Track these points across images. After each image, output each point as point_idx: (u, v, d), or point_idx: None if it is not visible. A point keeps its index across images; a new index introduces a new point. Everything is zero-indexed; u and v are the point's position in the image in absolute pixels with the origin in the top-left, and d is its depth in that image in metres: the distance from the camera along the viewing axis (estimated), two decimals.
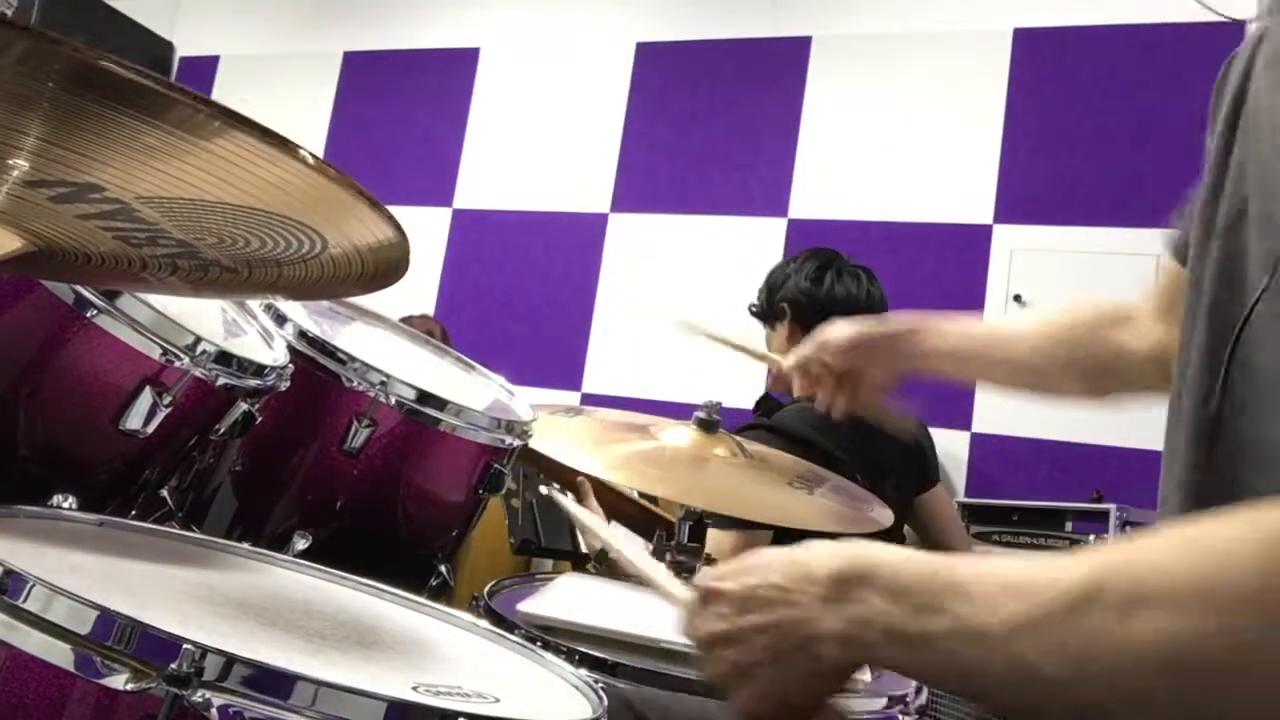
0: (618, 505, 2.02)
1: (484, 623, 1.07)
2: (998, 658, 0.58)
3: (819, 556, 0.67)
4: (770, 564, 0.70)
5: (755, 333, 2.31)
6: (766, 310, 2.24)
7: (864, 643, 0.64)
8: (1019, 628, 0.57)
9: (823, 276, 2.19)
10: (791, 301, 2.18)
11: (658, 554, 1.69)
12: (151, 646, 0.67)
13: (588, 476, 1.96)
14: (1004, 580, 0.60)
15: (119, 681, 0.67)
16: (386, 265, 0.74)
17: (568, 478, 1.99)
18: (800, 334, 2.18)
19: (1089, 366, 1.15)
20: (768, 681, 0.68)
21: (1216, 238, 0.76)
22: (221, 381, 1.10)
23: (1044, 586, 0.57)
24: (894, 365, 1.29)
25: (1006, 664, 0.58)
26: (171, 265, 0.79)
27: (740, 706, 0.70)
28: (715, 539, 1.97)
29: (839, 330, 1.33)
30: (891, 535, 1.93)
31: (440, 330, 3.45)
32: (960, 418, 3.43)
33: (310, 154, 0.59)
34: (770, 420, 2.16)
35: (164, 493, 1.30)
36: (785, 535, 1.95)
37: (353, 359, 1.30)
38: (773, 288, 2.23)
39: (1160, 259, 1.06)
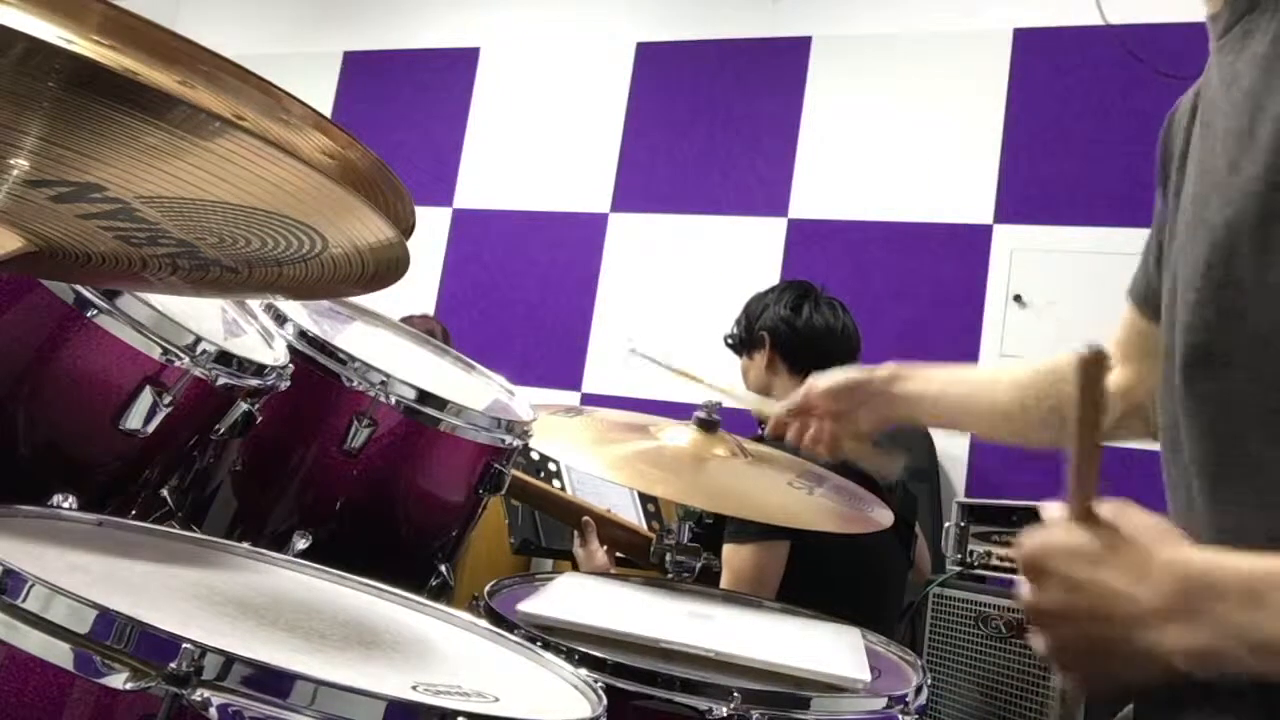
0: (625, 539, 2.02)
1: (484, 623, 1.07)
2: None
3: (1154, 561, 0.68)
4: (1101, 554, 0.70)
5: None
6: (745, 339, 2.29)
7: (1222, 658, 0.65)
8: None
9: (801, 306, 2.27)
10: (771, 329, 2.26)
11: (658, 554, 1.69)
12: (151, 646, 0.67)
13: (593, 515, 1.97)
14: None
15: (118, 681, 0.67)
16: (386, 265, 0.74)
17: (571, 519, 2.00)
18: (779, 362, 2.25)
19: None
20: (1093, 666, 0.70)
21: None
22: (221, 381, 1.10)
23: None
24: (879, 411, 1.35)
25: None
26: (171, 265, 0.79)
27: (1065, 674, 0.73)
28: (731, 553, 1.96)
29: (827, 377, 1.38)
30: (896, 533, 1.93)
31: (441, 330, 3.45)
32: None
33: (348, 134, 0.59)
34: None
35: (164, 493, 1.29)
36: (803, 546, 1.96)
37: (353, 359, 1.30)
38: (751, 317, 2.31)
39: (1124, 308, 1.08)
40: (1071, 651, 0.71)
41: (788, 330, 2.25)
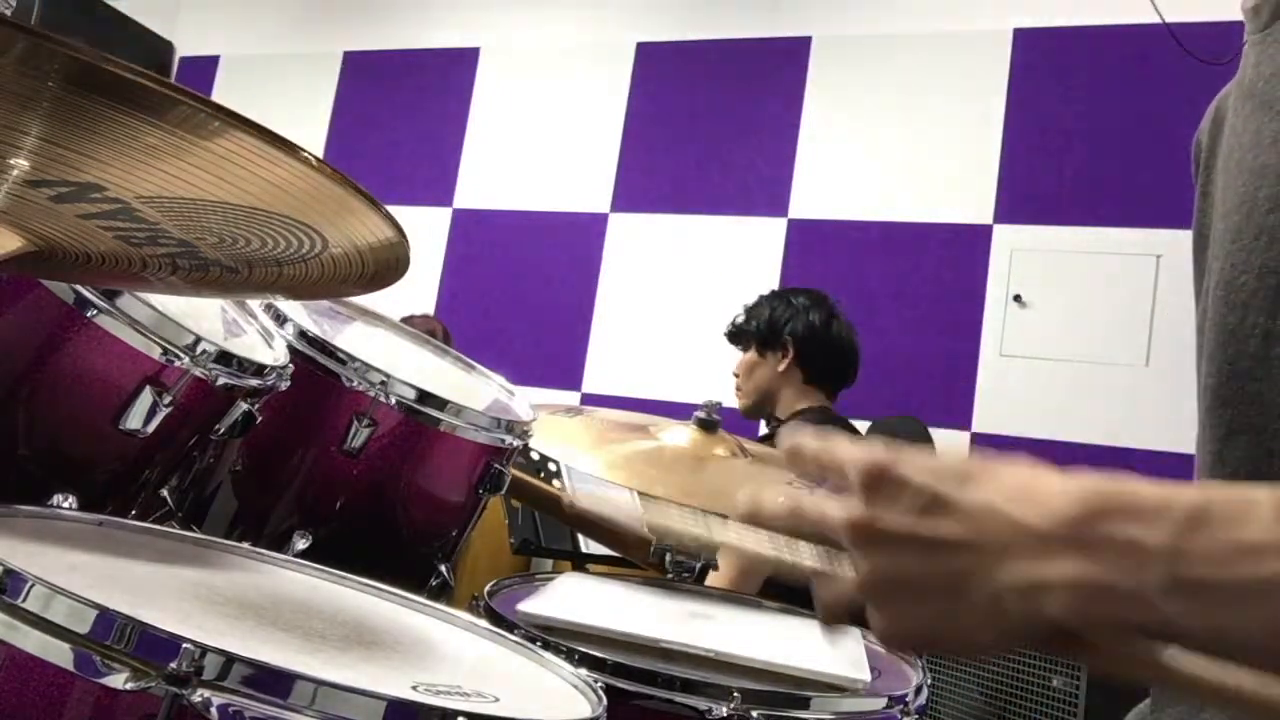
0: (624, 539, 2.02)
1: (484, 623, 1.07)
2: None
3: (1045, 482, 0.52)
4: (973, 473, 0.54)
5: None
6: (764, 339, 2.33)
7: (1114, 595, 0.48)
8: None
9: (831, 320, 2.36)
10: (800, 337, 2.32)
11: (658, 554, 1.69)
12: (151, 646, 0.67)
13: (590, 518, 1.96)
14: None
15: (119, 681, 0.67)
16: (386, 265, 0.74)
17: (569, 520, 2.00)
18: (797, 369, 2.31)
19: None
20: (925, 606, 0.55)
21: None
22: (221, 381, 1.10)
23: None
24: None
25: None
26: (171, 265, 0.79)
27: (877, 620, 0.58)
28: None
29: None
30: None
31: (441, 330, 3.45)
32: (960, 418, 3.43)
33: (311, 155, 0.59)
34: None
35: (164, 493, 1.29)
36: None
37: (353, 359, 1.30)
38: (776, 320, 2.34)
39: None
40: (900, 584, 0.55)
41: (817, 341, 2.32)
